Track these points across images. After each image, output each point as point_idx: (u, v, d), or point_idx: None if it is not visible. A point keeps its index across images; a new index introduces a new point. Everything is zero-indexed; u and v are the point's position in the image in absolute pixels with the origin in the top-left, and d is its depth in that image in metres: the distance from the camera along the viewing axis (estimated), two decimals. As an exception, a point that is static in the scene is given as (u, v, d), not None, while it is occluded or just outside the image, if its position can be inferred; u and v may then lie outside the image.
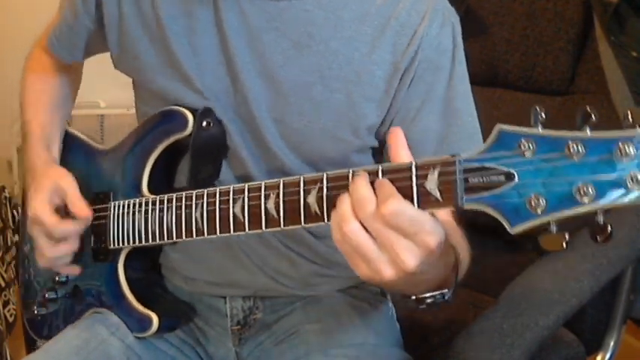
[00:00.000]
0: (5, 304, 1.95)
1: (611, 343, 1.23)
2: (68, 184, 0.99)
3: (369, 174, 0.67)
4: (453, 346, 1.04)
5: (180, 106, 0.93)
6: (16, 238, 2.04)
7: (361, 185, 0.65)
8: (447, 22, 0.90)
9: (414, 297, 0.74)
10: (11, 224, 2.05)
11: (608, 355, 1.23)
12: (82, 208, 0.97)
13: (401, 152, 0.68)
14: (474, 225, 0.89)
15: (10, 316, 1.96)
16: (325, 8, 0.88)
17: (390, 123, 0.92)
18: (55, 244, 0.99)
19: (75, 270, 1.03)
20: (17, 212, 2.07)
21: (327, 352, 0.95)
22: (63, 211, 0.99)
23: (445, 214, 0.89)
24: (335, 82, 0.89)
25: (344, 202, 0.66)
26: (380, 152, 0.96)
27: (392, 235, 0.64)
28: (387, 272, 0.65)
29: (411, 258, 0.64)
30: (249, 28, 0.89)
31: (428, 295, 0.74)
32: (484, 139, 0.92)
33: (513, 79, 1.44)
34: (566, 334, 1.20)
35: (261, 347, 1.03)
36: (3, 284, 1.96)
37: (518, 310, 1.04)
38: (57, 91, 1.14)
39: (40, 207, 0.97)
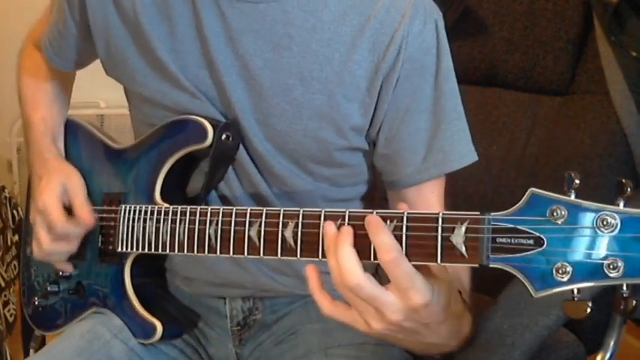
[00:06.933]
0: (5, 304, 1.95)
1: (611, 343, 1.23)
2: (77, 185, 1.01)
3: (394, 219, 0.67)
4: (453, 346, 1.03)
5: (198, 115, 0.92)
6: (16, 238, 2.03)
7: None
8: (430, 18, 0.89)
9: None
10: (11, 224, 2.04)
11: (608, 355, 1.23)
12: (86, 213, 0.98)
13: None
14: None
15: (10, 316, 1.96)
16: (305, 10, 0.88)
17: (379, 125, 0.91)
18: (54, 240, 0.99)
19: (68, 268, 1.04)
20: (17, 212, 2.07)
21: (327, 351, 0.95)
22: (68, 210, 1.00)
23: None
24: (316, 84, 0.88)
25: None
26: (371, 154, 0.96)
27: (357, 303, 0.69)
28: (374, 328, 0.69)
29: (375, 323, 0.68)
30: (229, 31, 0.89)
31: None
32: (479, 135, 0.93)
33: (513, 79, 1.44)
34: (566, 334, 1.20)
35: (261, 347, 1.03)
36: (3, 284, 1.96)
37: (517, 310, 1.03)
38: (52, 86, 1.15)
39: (50, 200, 0.98)
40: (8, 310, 1.96)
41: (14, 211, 2.06)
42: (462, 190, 1.34)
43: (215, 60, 0.90)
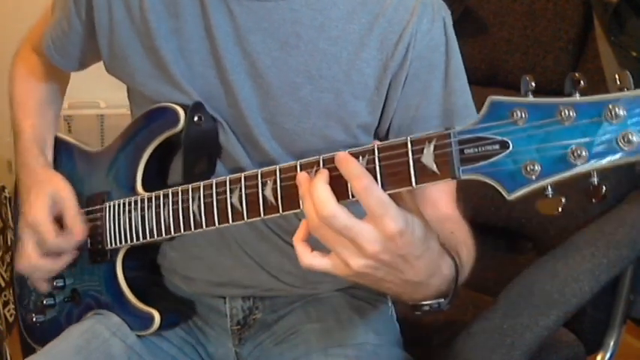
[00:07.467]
0: (5, 304, 1.95)
1: (611, 343, 1.23)
2: (68, 197, 1.00)
3: (365, 154, 0.68)
4: (453, 346, 1.04)
5: (170, 102, 0.92)
6: (16, 238, 2.03)
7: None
8: (438, 16, 0.89)
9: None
10: (11, 224, 2.04)
11: (608, 355, 1.23)
12: (79, 226, 0.98)
13: None
14: (474, 225, 0.89)
15: (10, 316, 1.96)
16: (313, 8, 0.88)
17: (389, 123, 0.92)
18: (43, 255, 0.99)
19: (45, 287, 1.04)
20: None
21: (327, 351, 0.95)
22: (58, 222, 0.99)
23: (448, 206, 0.88)
24: (324, 82, 0.89)
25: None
26: None
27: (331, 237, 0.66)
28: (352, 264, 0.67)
29: (352, 260, 0.66)
30: (237, 29, 0.89)
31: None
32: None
33: (513, 79, 1.44)
34: (566, 334, 1.20)
35: (261, 347, 1.03)
36: (3, 284, 1.96)
37: (517, 310, 1.04)
38: (45, 91, 1.14)
39: (40, 215, 0.98)
40: (8, 310, 1.96)
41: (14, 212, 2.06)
42: (462, 190, 1.34)
43: (223, 59, 0.90)
